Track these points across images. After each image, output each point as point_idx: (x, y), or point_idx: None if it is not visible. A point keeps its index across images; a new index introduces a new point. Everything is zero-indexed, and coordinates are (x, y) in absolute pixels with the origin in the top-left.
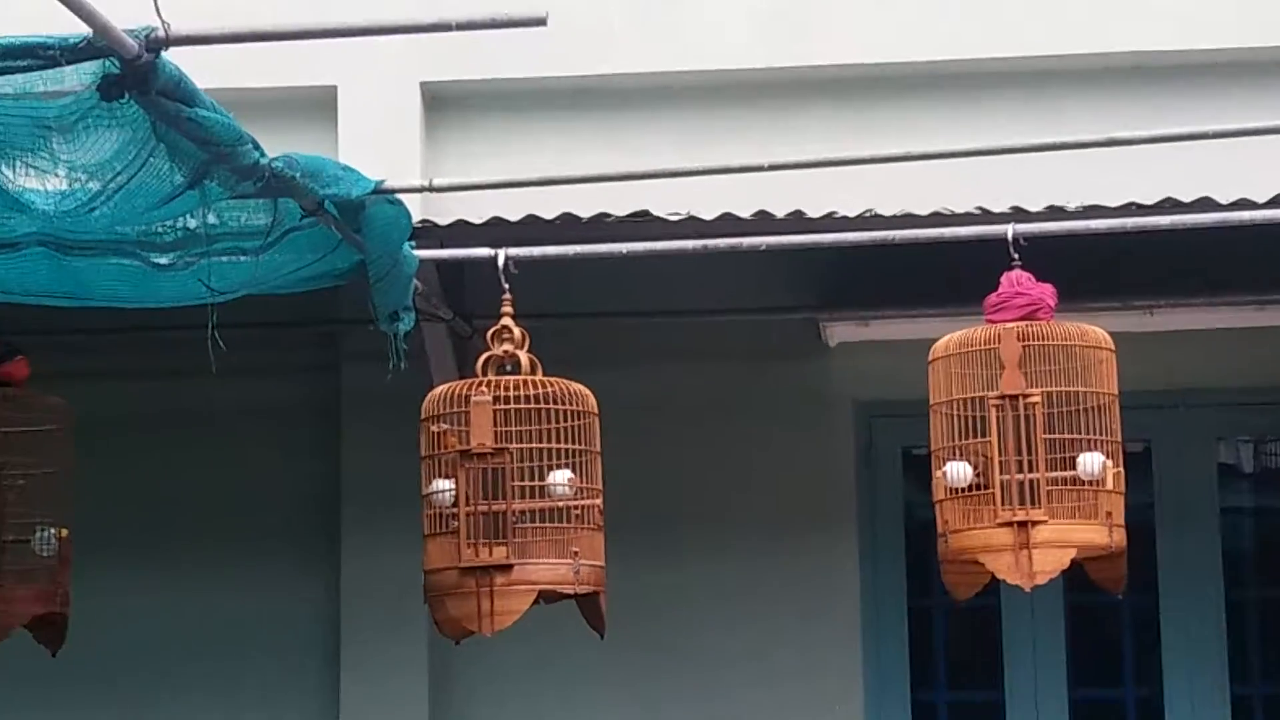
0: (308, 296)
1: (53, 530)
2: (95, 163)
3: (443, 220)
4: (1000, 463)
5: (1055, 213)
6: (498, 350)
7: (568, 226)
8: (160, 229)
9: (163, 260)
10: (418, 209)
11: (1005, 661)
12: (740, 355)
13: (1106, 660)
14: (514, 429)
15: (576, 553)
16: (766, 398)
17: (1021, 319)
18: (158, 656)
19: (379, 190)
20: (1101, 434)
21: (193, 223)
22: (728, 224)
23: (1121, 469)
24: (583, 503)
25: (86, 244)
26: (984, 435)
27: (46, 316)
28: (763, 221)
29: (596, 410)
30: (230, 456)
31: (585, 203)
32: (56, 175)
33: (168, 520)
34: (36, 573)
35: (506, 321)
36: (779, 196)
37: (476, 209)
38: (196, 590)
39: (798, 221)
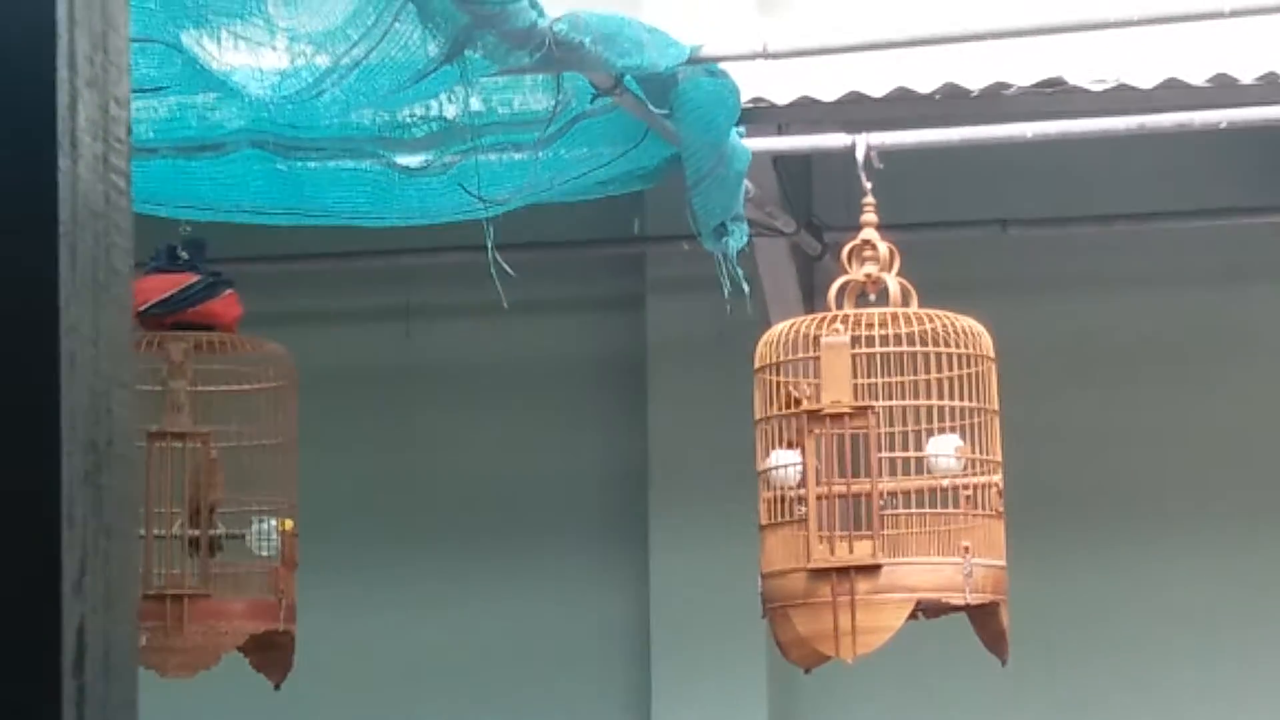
0: (602, 207)
1: (274, 521)
2: (323, 30)
3: (781, 98)
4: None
5: None
6: (857, 274)
7: (952, 102)
8: (408, 119)
9: (412, 161)
10: (748, 84)
11: None
12: (1193, 277)
13: None
14: (881, 381)
15: (968, 549)
16: (1237, 333)
17: None
18: (409, 685)
19: (696, 59)
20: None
21: (451, 109)
22: (1174, 94)
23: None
24: (976, 480)
25: (312, 143)
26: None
27: (261, 239)
28: (1223, 90)
29: (993, 354)
30: (501, 422)
31: (971, 71)
32: (273, 49)
33: (423, 507)
34: (253, 579)
35: (869, 234)
36: (1244, 56)
37: (825, 83)
38: (461, 598)
39: (1275, 88)
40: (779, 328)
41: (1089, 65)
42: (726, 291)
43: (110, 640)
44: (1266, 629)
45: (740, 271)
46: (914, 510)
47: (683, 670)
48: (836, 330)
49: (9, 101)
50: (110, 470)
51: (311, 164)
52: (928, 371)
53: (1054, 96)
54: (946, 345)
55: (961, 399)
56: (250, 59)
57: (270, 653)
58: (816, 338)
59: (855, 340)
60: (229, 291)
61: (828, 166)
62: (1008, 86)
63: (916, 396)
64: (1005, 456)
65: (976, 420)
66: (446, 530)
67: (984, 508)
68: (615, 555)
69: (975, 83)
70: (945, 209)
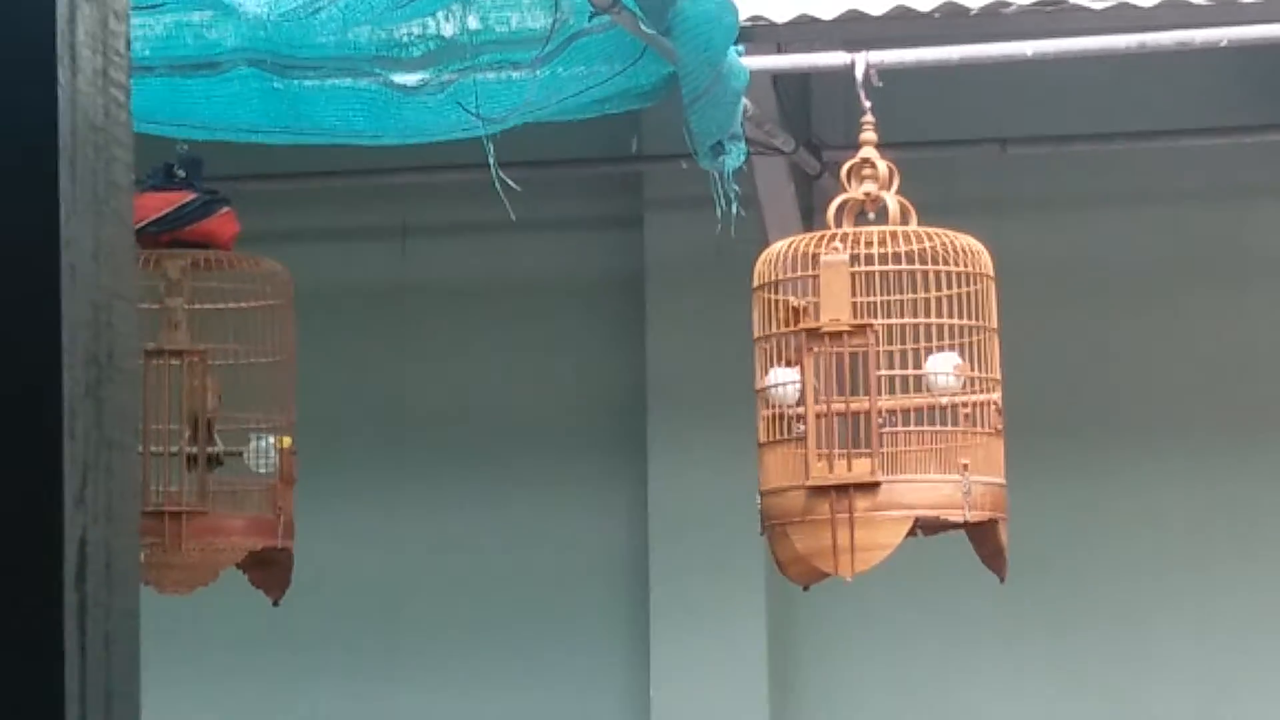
0: (600, 126)
1: (272, 440)
2: None
3: (780, 17)
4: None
5: None
6: (856, 192)
7: (951, 20)
8: (405, 37)
9: (409, 80)
10: (747, 2)
11: None
12: (1193, 195)
13: None
14: (880, 299)
15: (966, 466)
16: (1235, 254)
17: None
18: (407, 604)
19: None
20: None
21: (448, 28)
22: (1175, 12)
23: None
24: (975, 398)
25: (309, 61)
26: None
27: (258, 158)
28: (1224, 8)
29: (992, 273)
30: (497, 341)
31: None
32: None
33: (419, 426)
34: (251, 496)
35: (869, 153)
36: None
37: (824, 1)
38: (456, 518)
39: (1276, 6)
40: (778, 246)
41: None
42: (720, 212)
43: (112, 551)
44: (1261, 547)
45: (735, 190)
46: (913, 428)
47: (681, 588)
48: (835, 248)
49: (8, 15)
50: (111, 383)
51: (308, 83)
52: (927, 290)
53: (1054, 15)
54: (946, 264)
55: (960, 317)
56: None
57: (269, 569)
58: (815, 256)
59: (854, 258)
60: (225, 209)
61: (827, 85)
62: (1008, 5)
63: (915, 314)
64: (1004, 374)
65: (975, 338)
66: (441, 450)
67: (983, 425)
68: (613, 474)
69: (975, 1)
70: (944, 128)
